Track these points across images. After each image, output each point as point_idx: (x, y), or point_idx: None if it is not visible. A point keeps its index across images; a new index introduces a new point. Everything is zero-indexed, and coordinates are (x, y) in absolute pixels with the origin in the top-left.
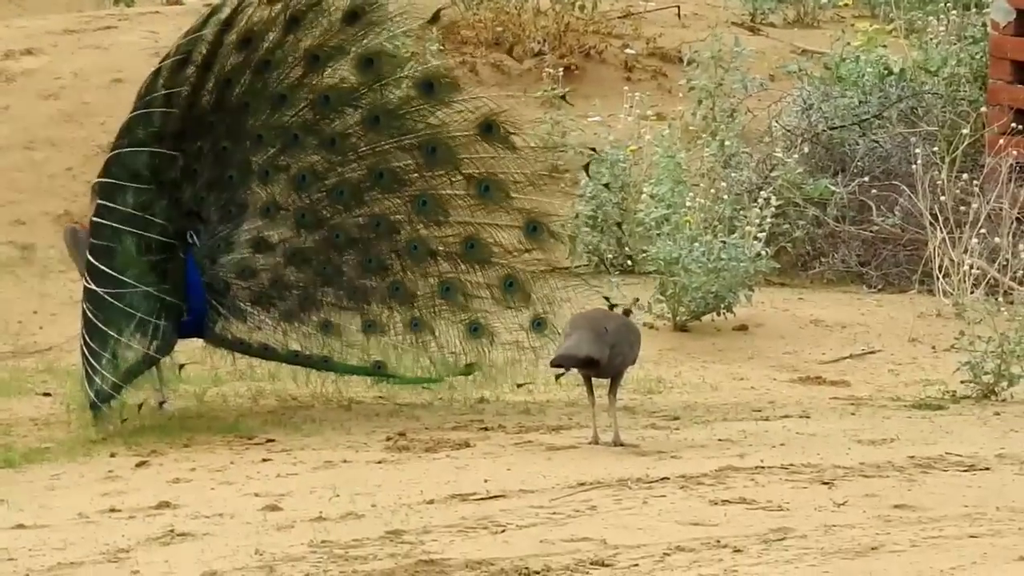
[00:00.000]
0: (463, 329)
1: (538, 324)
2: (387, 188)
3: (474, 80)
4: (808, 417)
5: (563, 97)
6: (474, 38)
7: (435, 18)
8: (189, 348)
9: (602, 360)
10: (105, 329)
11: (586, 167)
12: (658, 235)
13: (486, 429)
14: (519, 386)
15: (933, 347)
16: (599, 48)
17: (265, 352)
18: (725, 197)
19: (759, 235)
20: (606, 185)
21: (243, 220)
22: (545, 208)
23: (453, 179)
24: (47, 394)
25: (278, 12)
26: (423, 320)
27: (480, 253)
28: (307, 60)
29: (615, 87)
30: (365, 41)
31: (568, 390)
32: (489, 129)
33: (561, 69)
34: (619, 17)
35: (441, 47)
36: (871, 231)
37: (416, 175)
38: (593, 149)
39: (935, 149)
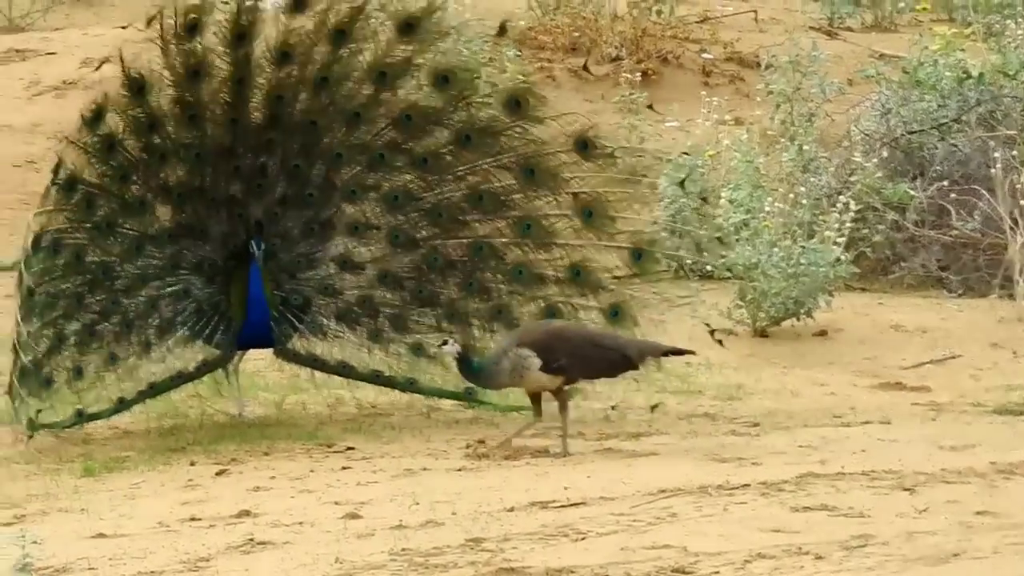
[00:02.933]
0: None
1: None
2: (488, 210)
3: (552, 86)
4: (889, 423)
5: (650, 107)
6: (551, 44)
7: (502, 30)
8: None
9: None
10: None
11: (681, 183)
12: (737, 240)
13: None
14: (653, 408)
15: (1014, 352)
16: (676, 53)
17: (343, 369)
18: (804, 202)
19: (838, 240)
20: (681, 184)
21: (328, 238)
22: (650, 234)
23: (557, 200)
24: None
25: (318, 25)
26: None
27: (586, 279)
28: (374, 76)
29: (693, 92)
30: (433, 56)
31: (648, 397)
32: (585, 146)
33: (638, 74)
34: (696, 22)
35: (518, 53)
36: (950, 235)
37: (518, 197)
38: (686, 153)
39: (1014, 153)
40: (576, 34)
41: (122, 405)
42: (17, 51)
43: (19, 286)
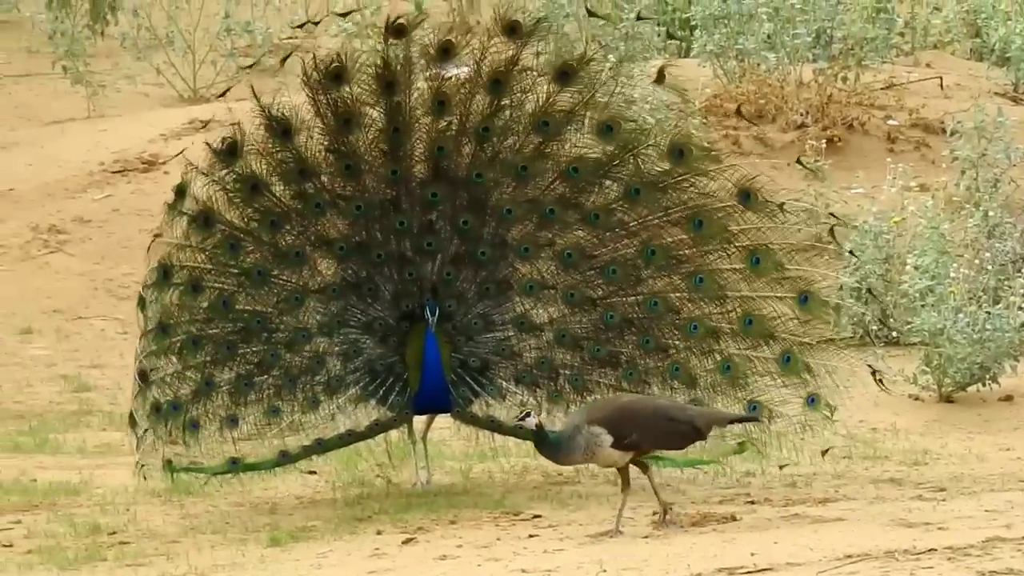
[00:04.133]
0: (741, 408)
1: (812, 400)
2: (661, 265)
3: (736, 152)
4: None
5: (799, 161)
6: (737, 110)
7: (660, 77)
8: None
9: None
10: None
11: (831, 231)
12: (922, 306)
13: (752, 502)
14: (824, 452)
15: None
16: (861, 120)
17: (519, 431)
18: (989, 267)
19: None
20: (851, 252)
21: (505, 299)
22: (813, 276)
23: (726, 252)
24: (312, 472)
25: (473, 74)
26: (702, 402)
27: (759, 328)
28: (537, 127)
29: (878, 158)
30: (596, 106)
31: (834, 462)
32: (747, 197)
33: (824, 141)
34: (882, 88)
35: (704, 120)
36: None
37: (689, 250)
38: (832, 214)
39: None
40: (762, 101)
41: (284, 459)
42: (201, 122)
43: (142, 316)
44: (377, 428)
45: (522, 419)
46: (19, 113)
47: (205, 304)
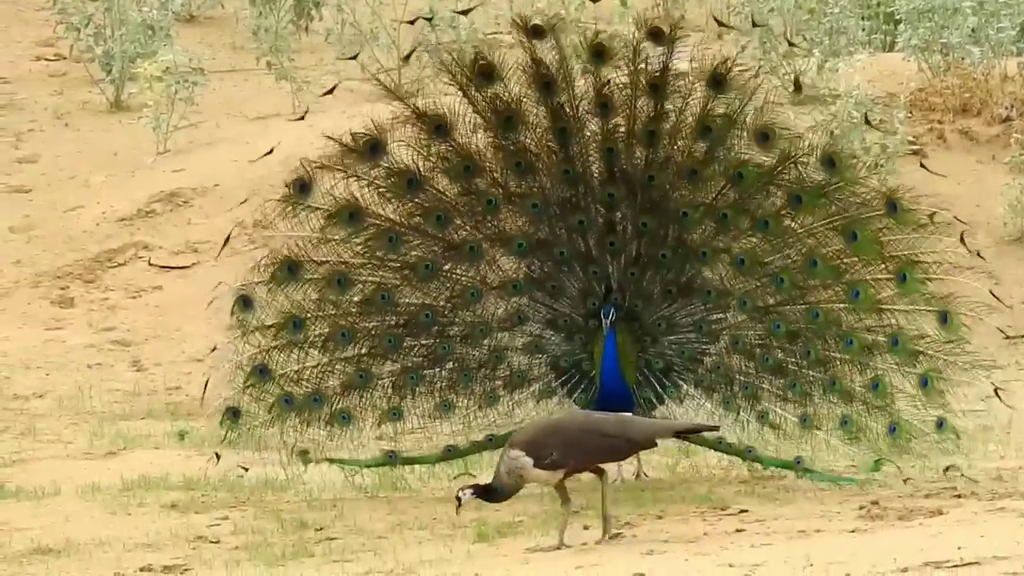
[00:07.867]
0: (883, 427)
1: (941, 424)
2: (823, 275)
3: (941, 147)
4: None
5: (922, 164)
6: (941, 105)
7: (798, 87)
8: None
9: None
10: None
11: (961, 238)
12: None
13: (959, 496)
14: (946, 470)
15: None
16: None
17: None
18: None
19: None
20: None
21: (687, 302)
22: (959, 291)
23: (881, 264)
24: None
25: (633, 78)
26: (853, 419)
27: (904, 347)
28: (700, 131)
29: None
30: (749, 111)
31: None
32: (894, 207)
33: None
34: None
35: (909, 114)
36: None
37: (847, 260)
38: (956, 218)
39: None
40: (966, 95)
41: (451, 454)
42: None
43: (244, 314)
44: None
45: (458, 500)
46: (224, 109)
47: (357, 298)
